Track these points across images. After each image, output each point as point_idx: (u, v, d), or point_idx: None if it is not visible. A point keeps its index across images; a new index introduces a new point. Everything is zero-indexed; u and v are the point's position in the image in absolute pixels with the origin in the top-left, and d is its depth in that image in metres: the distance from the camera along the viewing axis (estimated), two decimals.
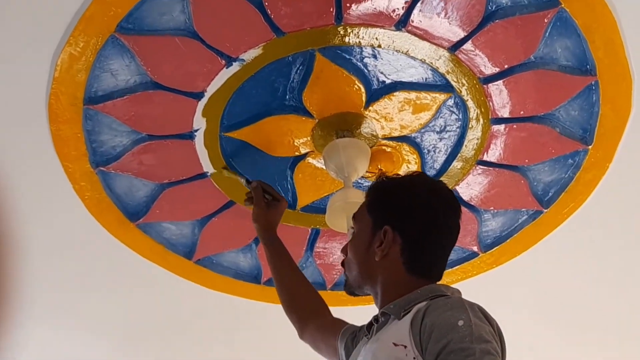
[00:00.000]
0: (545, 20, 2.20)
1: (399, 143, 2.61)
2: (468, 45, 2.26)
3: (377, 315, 1.77)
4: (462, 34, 2.24)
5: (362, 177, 2.62)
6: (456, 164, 2.65)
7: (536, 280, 3.16)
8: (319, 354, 2.20)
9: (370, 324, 1.79)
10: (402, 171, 2.67)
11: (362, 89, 2.41)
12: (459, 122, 2.54)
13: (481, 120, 2.49)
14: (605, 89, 2.37)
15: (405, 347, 1.54)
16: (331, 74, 2.36)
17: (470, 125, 2.52)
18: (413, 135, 2.59)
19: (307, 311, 2.27)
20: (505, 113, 2.47)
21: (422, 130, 2.57)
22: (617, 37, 2.23)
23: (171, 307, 3.26)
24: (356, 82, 2.39)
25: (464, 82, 2.38)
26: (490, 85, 2.38)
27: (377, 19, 2.20)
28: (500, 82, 2.37)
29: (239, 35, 2.22)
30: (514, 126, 2.51)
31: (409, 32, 2.23)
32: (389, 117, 2.51)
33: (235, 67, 2.31)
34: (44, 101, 2.32)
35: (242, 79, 2.35)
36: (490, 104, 2.43)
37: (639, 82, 2.36)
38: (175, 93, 2.36)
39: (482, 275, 3.06)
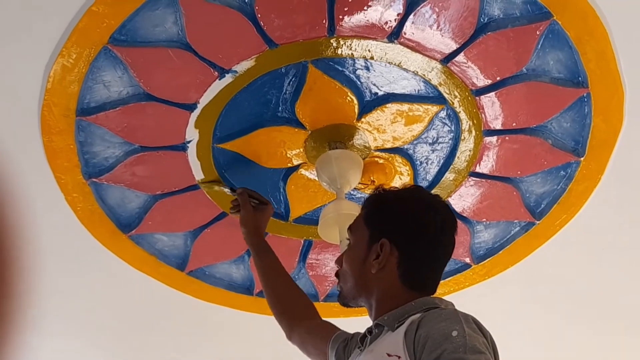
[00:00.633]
0: (538, 33, 2.21)
1: (392, 155, 2.61)
2: (460, 57, 2.27)
3: (370, 327, 1.77)
4: (454, 46, 2.24)
5: (355, 188, 2.62)
6: (449, 176, 2.66)
7: (529, 292, 3.16)
8: (305, 355, 2.20)
9: (363, 336, 1.79)
10: (395, 183, 2.67)
11: (355, 101, 2.42)
12: (452, 134, 2.54)
13: (473, 132, 2.50)
14: (597, 100, 2.38)
15: (399, 357, 1.54)
16: (324, 85, 2.36)
17: (462, 137, 2.53)
18: (405, 146, 2.59)
19: (295, 313, 2.28)
20: (497, 125, 2.47)
21: (415, 142, 2.57)
22: (609, 49, 2.24)
23: (163, 319, 3.25)
24: (349, 93, 2.39)
25: (457, 94, 2.38)
26: (482, 97, 2.38)
27: (370, 31, 2.20)
28: (492, 94, 2.37)
29: (232, 46, 2.22)
30: (506, 138, 2.51)
31: (401, 44, 2.23)
32: (382, 128, 2.51)
33: (228, 78, 2.31)
34: (37, 112, 2.32)
35: (235, 91, 2.35)
36: (483, 115, 2.44)
37: (631, 94, 2.37)
38: (167, 104, 2.36)
39: (475, 287, 3.06)
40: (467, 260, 2.96)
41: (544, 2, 2.13)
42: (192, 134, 2.47)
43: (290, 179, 2.68)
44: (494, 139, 2.52)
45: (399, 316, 1.68)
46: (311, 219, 2.81)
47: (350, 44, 2.24)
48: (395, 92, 2.41)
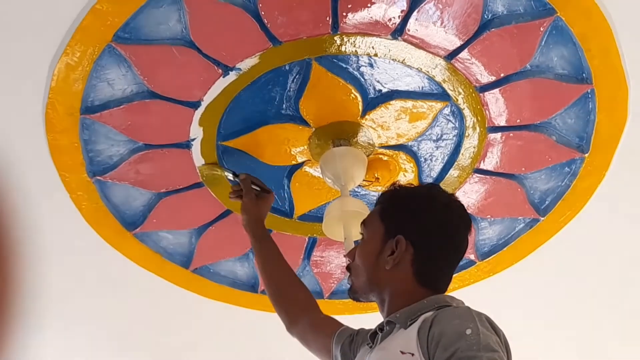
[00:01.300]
0: (541, 29, 2.20)
1: (396, 152, 2.61)
2: (464, 54, 2.27)
3: (381, 324, 1.77)
4: (458, 43, 2.24)
5: (359, 185, 2.62)
6: (453, 173, 2.66)
7: (533, 288, 3.16)
8: (306, 347, 2.19)
9: (374, 333, 1.79)
10: (400, 180, 2.67)
11: (359, 98, 2.42)
12: (456, 131, 2.54)
13: (477, 128, 2.50)
14: (601, 97, 2.38)
15: (413, 355, 1.55)
16: (328, 82, 2.36)
17: (466, 134, 2.53)
18: (410, 143, 2.59)
19: (296, 306, 2.26)
20: (501, 121, 2.47)
21: (419, 139, 2.57)
22: (612, 45, 2.24)
23: (168, 316, 3.25)
24: (353, 90, 2.39)
25: (460, 90, 2.38)
26: (486, 93, 2.38)
27: (374, 28, 2.20)
28: (496, 90, 2.37)
29: (236, 44, 2.22)
30: (511, 134, 2.51)
31: (405, 40, 2.23)
32: (386, 125, 2.51)
33: (232, 76, 2.31)
34: (41, 111, 2.32)
35: (239, 88, 2.36)
36: (487, 112, 2.44)
37: (635, 90, 2.36)
38: (172, 102, 2.36)
39: (479, 283, 3.06)
40: (472, 257, 2.96)
41: None
42: (196, 132, 2.47)
43: (294, 176, 2.68)
44: (498, 135, 2.52)
45: (411, 314, 1.68)
46: (315, 217, 2.81)
47: (354, 41, 2.24)
48: (399, 89, 2.41)
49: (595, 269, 3.07)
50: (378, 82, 2.39)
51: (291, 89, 2.39)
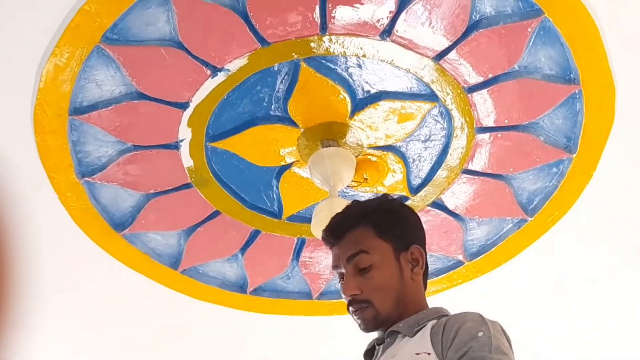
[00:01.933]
0: (529, 30, 2.21)
1: (385, 152, 2.62)
2: (452, 55, 2.27)
3: (379, 338, 1.73)
4: (446, 44, 2.25)
5: (348, 186, 2.62)
6: (441, 173, 2.66)
7: (522, 288, 3.17)
8: None
9: (372, 348, 1.74)
10: (388, 180, 2.68)
11: (347, 99, 2.42)
12: (444, 131, 2.54)
13: (466, 129, 2.50)
14: (589, 97, 2.39)
15: (429, 354, 1.55)
16: (316, 83, 2.36)
17: (455, 134, 2.53)
18: (398, 144, 2.59)
19: None
20: (489, 122, 2.48)
21: (407, 140, 2.58)
22: (600, 46, 2.25)
23: (157, 317, 3.25)
24: (341, 91, 2.40)
25: (449, 91, 2.39)
26: (474, 94, 2.39)
27: (362, 29, 2.20)
28: (484, 91, 2.38)
29: (224, 45, 2.22)
30: (499, 135, 2.52)
31: (393, 41, 2.24)
32: (374, 126, 2.51)
33: (221, 77, 2.31)
34: (30, 112, 2.32)
35: (228, 89, 2.36)
36: (475, 113, 2.44)
37: (622, 91, 2.37)
38: (160, 103, 2.36)
39: (468, 284, 3.07)
40: (460, 257, 2.96)
41: None
42: (184, 133, 2.47)
43: (283, 177, 2.68)
44: (486, 136, 2.52)
45: (416, 323, 1.67)
46: (304, 217, 2.81)
47: (343, 42, 2.24)
48: (388, 89, 2.42)
49: (583, 268, 3.08)
50: (366, 82, 2.39)
51: (280, 90, 2.39)
